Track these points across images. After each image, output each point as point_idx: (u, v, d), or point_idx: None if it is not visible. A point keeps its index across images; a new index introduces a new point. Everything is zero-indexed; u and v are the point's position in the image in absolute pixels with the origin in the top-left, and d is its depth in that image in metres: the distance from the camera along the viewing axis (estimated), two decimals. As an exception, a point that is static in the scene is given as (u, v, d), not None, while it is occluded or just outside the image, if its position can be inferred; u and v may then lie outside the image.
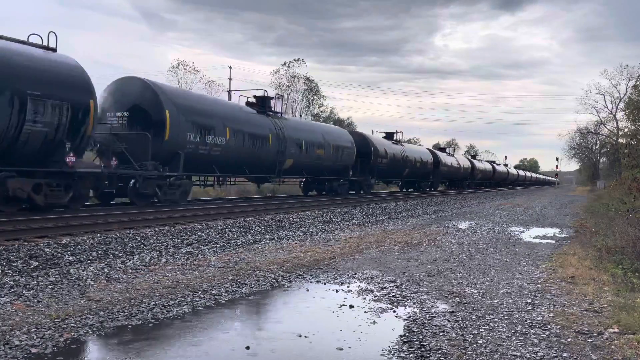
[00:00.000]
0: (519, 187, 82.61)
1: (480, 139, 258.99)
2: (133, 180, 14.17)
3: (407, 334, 4.82)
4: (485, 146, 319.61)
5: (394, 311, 5.66)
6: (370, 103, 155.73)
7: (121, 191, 14.55)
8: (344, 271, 7.82)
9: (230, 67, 47.21)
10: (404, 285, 6.89)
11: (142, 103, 14.64)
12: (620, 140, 45.86)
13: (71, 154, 11.58)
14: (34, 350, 4.14)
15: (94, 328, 4.76)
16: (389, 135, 33.54)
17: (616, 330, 4.99)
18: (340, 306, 5.84)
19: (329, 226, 13.77)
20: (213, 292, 6.27)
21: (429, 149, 41.40)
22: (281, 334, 4.83)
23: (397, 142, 33.34)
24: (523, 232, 14.36)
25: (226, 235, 10.95)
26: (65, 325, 4.77)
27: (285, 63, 58.27)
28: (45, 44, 11.98)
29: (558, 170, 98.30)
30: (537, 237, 13.29)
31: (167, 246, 9.28)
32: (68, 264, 7.50)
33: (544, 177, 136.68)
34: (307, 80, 58.86)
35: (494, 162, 72.07)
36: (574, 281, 7.34)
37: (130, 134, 14.40)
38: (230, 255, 8.89)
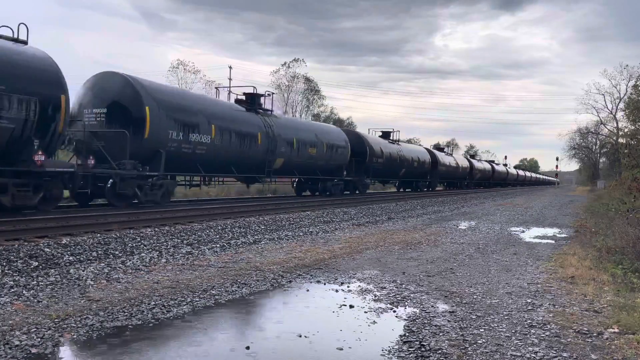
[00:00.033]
0: (519, 187, 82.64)
1: (480, 139, 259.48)
2: (111, 181, 13.62)
3: (407, 334, 4.82)
4: (485, 146, 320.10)
5: (394, 311, 5.66)
6: (370, 103, 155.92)
7: (101, 192, 14.00)
8: (344, 271, 7.82)
9: (230, 67, 47.32)
10: (404, 285, 6.89)
11: (122, 99, 14.09)
12: (620, 140, 45.89)
13: (40, 152, 10.94)
14: (34, 350, 4.14)
15: (94, 328, 4.76)
16: (386, 135, 33.25)
17: (616, 330, 4.99)
18: (340, 306, 5.84)
19: (329, 226, 13.77)
20: (213, 292, 6.27)
21: (426, 149, 41.25)
22: (281, 334, 4.83)
23: (394, 141, 33.11)
24: (523, 232, 14.36)
25: (226, 235, 10.95)
26: (65, 325, 4.77)
27: (285, 63, 58.41)
28: (16, 36, 11.41)
29: (558, 170, 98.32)
30: (537, 237, 13.29)
31: (167, 246, 9.28)
32: (68, 264, 7.50)
33: (544, 177, 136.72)
34: (307, 80, 58.99)
35: (493, 162, 72.04)
36: (574, 281, 7.34)
37: (108, 132, 13.85)
38: (230, 255, 8.89)
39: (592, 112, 64.51)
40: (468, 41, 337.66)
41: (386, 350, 4.42)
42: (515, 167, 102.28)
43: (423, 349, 4.40)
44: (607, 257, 9.10)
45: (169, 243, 9.52)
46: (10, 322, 4.80)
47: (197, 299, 5.91)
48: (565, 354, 4.33)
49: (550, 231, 14.80)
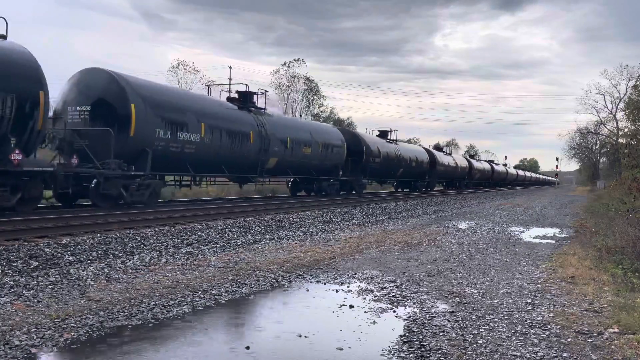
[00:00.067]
0: (519, 187, 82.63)
1: (480, 139, 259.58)
2: (95, 180, 13.10)
3: (407, 334, 4.82)
4: (485, 146, 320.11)
5: (394, 311, 5.66)
6: (370, 103, 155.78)
7: (86, 192, 13.52)
8: (344, 271, 7.82)
9: (230, 67, 47.23)
10: (404, 285, 6.89)
11: (107, 96, 13.62)
12: (620, 140, 45.90)
13: (17, 151, 10.45)
14: (34, 350, 4.14)
15: (94, 328, 4.76)
16: (383, 134, 32.91)
17: (616, 330, 5.00)
18: (340, 306, 5.85)
19: (329, 226, 13.77)
20: (213, 292, 6.27)
21: (425, 148, 41.03)
22: (281, 334, 4.83)
23: (392, 140, 32.88)
24: (523, 232, 14.36)
25: (226, 235, 10.95)
26: (65, 325, 4.77)
27: (285, 63, 58.45)
28: None
29: (558, 170, 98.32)
30: (537, 237, 13.29)
31: (167, 246, 9.28)
32: (68, 264, 7.50)
33: (544, 177, 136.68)
34: (307, 80, 59.03)
35: (492, 161, 72.04)
36: (574, 281, 7.35)
37: (91, 130, 13.37)
38: (230, 255, 8.89)
39: (592, 112, 64.57)
40: (468, 41, 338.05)
41: (386, 350, 4.42)
42: (515, 167, 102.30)
43: (423, 349, 4.40)
44: (607, 257, 9.10)
45: (169, 243, 9.52)
46: (10, 322, 4.80)
47: (197, 299, 5.91)
48: (565, 354, 4.33)
49: (550, 231, 14.80)
